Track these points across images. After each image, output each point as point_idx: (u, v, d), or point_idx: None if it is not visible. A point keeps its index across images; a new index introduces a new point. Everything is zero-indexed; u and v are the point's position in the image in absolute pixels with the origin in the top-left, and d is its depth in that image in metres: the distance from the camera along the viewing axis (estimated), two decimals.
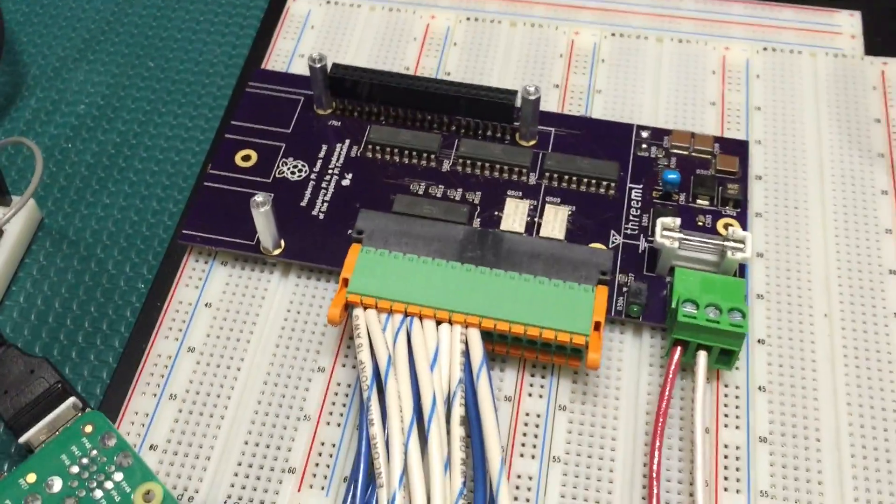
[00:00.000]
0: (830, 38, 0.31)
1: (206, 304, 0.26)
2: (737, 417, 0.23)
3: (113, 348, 0.27)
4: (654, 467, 0.22)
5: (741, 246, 0.24)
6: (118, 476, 0.21)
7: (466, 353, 0.23)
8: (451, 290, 0.24)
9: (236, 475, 0.23)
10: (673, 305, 0.23)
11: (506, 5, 0.33)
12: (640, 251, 0.26)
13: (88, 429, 0.21)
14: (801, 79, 0.30)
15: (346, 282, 0.24)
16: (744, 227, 0.26)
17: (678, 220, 0.25)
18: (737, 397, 0.24)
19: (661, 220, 0.25)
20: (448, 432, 0.22)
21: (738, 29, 0.32)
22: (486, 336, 0.24)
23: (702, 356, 0.23)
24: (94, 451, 0.21)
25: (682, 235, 0.25)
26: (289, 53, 0.32)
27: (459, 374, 0.23)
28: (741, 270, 0.25)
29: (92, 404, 0.25)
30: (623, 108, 0.30)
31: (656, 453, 0.22)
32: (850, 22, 0.32)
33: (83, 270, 0.28)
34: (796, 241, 0.27)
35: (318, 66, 0.28)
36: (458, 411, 0.22)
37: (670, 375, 0.23)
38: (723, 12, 0.32)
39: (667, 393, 0.23)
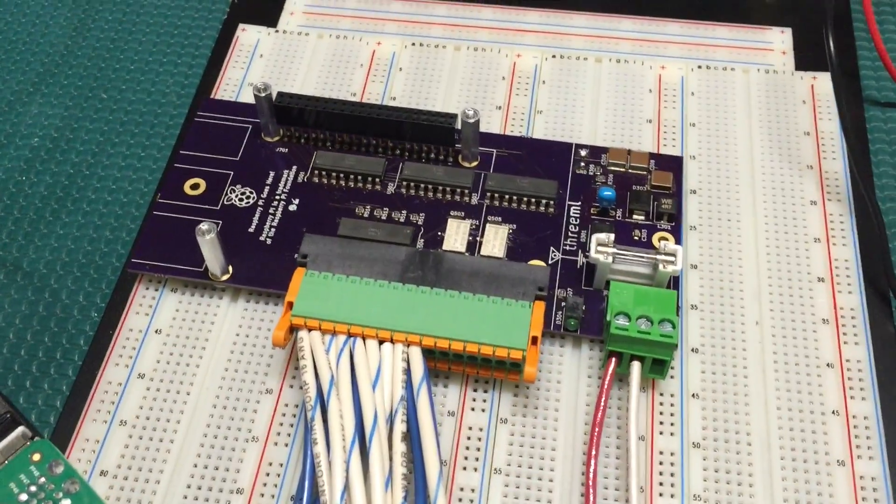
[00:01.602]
0: (762, 54, 0.33)
1: (156, 331, 0.26)
2: (671, 424, 0.24)
3: (66, 376, 0.27)
4: (591, 475, 0.23)
5: (672, 259, 0.25)
6: (66, 502, 0.21)
7: (408, 371, 0.24)
8: (392, 310, 0.24)
9: (185, 497, 0.23)
10: (607, 318, 0.24)
11: (450, 30, 0.34)
12: (578, 266, 0.27)
13: (36, 457, 0.22)
14: (734, 95, 0.31)
15: (290, 305, 0.25)
16: (678, 241, 0.27)
17: (612, 236, 0.26)
18: (671, 405, 0.25)
19: (595, 236, 0.26)
20: (390, 448, 0.22)
21: (674, 48, 0.33)
22: (429, 354, 0.24)
23: (635, 366, 0.24)
24: (42, 479, 0.22)
25: (615, 250, 0.25)
26: (238, 82, 0.33)
27: (401, 391, 0.23)
28: (675, 282, 0.26)
29: (46, 432, 0.25)
30: (563, 127, 0.31)
31: (592, 461, 0.23)
32: (780, 38, 0.33)
33: (37, 301, 0.29)
34: (729, 252, 0.27)
35: (263, 94, 0.29)
36: (399, 427, 0.23)
37: (605, 386, 0.24)
38: (659, 32, 0.33)
39: (602, 403, 0.24)
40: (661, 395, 0.25)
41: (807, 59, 0.32)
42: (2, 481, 0.22)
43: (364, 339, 0.24)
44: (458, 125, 0.28)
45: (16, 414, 0.23)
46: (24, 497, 0.21)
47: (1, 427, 0.23)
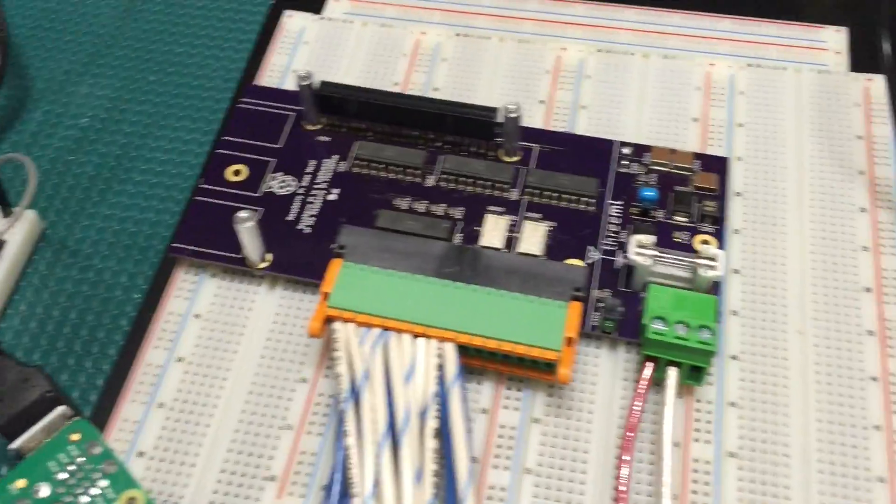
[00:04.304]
0: (816, 54, 0.32)
1: (195, 316, 0.27)
2: (707, 432, 0.24)
3: (108, 356, 0.28)
4: (624, 480, 0.23)
5: (713, 263, 0.25)
6: (103, 483, 0.22)
7: (442, 367, 0.24)
8: (427, 306, 0.24)
9: (219, 482, 0.24)
10: (644, 322, 0.24)
11: (495, 21, 0.34)
12: (616, 267, 0.26)
13: (75, 437, 0.22)
14: (784, 95, 0.31)
15: (326, 296, 0.25)
16: (721, 244, 0.27)
17: (653, 238, 0.25)
18: (708, 412, 0.24)
19: (634, 238, 0.25)
20: (422, 444, 0.23)
21: (724, 45, 0.32)
22: (463, 351, 0.24)
23: (672, 372, 0.24)
24: (81, 459, 0.22)
25: (655, 252, 0.25)
26: (283, 69, 0.33)
27: (434, 387, 0.23)
28: (716, 287, 0.26)
29: (87, 411, 0.26)
30: (607, 124, 0.30)
31: (625, 466, 0.23)
32: (835, 38, 0.32)
33: (82, 280, 0.29)
34: (773, 258, 0.27)
35: (306, 83, 0.29)
36: (431, 424, 0.23)
37: (640, 390, 0.24)
38: (709, 28, 0.33)
39: (637, 408, 0.23)
40: (699, 401, 0.24)
41: (863, 60, 0.31)
42: (42, 459, 0.22)
43: (399, 333, 0.24)
44: (500, 119, 0.28)
45: (58, 393, 0.24)
46: (62, 476, 0.22)
47: (43, 406, 0.23)
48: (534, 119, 0.31)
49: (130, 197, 0.31)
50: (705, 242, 0.27)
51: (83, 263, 0.30)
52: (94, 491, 0.22)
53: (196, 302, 0.27)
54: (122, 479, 0.22)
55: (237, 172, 0.29)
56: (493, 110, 0.28)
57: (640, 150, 0.29)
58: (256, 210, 0.28)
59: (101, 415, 0.25)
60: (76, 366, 0.27)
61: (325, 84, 0.29)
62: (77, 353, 0.28)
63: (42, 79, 0.35)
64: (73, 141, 0.33)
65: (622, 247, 0.27)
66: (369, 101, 0.29)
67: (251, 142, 0.30)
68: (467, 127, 0.29)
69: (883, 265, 0.26)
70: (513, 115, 0.28)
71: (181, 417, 0.25)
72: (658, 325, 0.23)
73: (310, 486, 0.24)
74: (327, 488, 0.22)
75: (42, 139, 0.33)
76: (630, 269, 0.26)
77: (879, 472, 0.23)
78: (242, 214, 0.26)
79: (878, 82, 0.31)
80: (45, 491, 0.21)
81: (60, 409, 0.23)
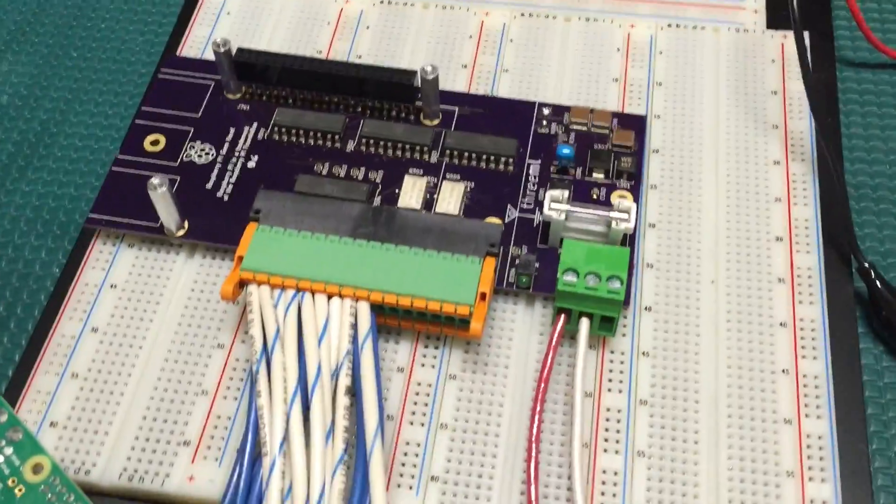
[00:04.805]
0: (734, 13, 0.32)
1: (111, 286, 0.26)
2: (620, 382, 0.24)
3: (26, 331, 0.27)
4: (534, 430, 0.23)
5: (626, 216, 0.25)
6: (8, 450, 0.21)
7: (356, 326, 0.24)
8: (342, 266, 0.24)
9: (133, 449, 0.24)
10: (558, 276, 0.24)
11: None
12: (535, 225, 0.26)
13: None
14: (703, 54, 0.31)
15: (240, 259, 0.25)
16: (636, 200, 0.27)
17: (566, 193, 0.25)
18: (622, 363, 0.24)
19: (549, 193, 0.25)
20: (334, 402, 0.23)
21: (645, 6, 0.32)
22: (378, 309, 0.24)
23: (583, 323, 0.24)
24: None
25: (569, 208, 0.25)
26: (204, 39, 0.32)
27: (348, 345, 0.23)
28: (631, 240, 0.26)
29: (3, 385, 0.26)
30: (528, 87, 0.30)
31: (536, 417, 0.23)
32: None
33: (1, 256, 0.29)
34: (689, 212, 0.27)
35: (223, 50, 0.28)
36: (343, 381, 0.23)
37: (552, 343, 0.24)
38: None
39: (548, 360, 0.24)
40: (612, 352, 0.25)
41: (780, 18, 0.32)
42: None
43: (313, 293, 0.24)
44: (418, 82, 0.28)
45: None
46: None
47: None
48: (456, 83, 0.31)
49: (51, 172, 0.31)
50: (622, 197, 0.27)
51: (2, 240, 0.29)
52: None
53: (113, 272, 0.27)
54: (28, 446, 0.21)
55: (155, 142, 0.29)
56: (411, 73, 0.28)
57: (559, 110, 0.29)
58: (174, 178, 0.28)
59: (15, 388, 0.25)
60: None
61: (241, 51, 0.29)
62: None
63: None
64: None
65: (540, 205, 0.27)
66: (287, 66, 0.28)
67: (171, 112, 0.30)
68: (387, 91, 0.28)
69: (794, 215, 0.27)
70: (430, 77, 0.28)
71: (94, 387, 0.25)
72: (569, 277, 0.24)
73: (224, 449, 0.23)
74: (239, 451, 0.22)
75: None
76: (546, 225, 0.26)
77: (787, 414, 0.23)
78: (155, 181, 0.25)
79: (793, 39, 0.31)
80: None
81: None
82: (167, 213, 0.26)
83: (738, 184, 0.28)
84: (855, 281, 0.26)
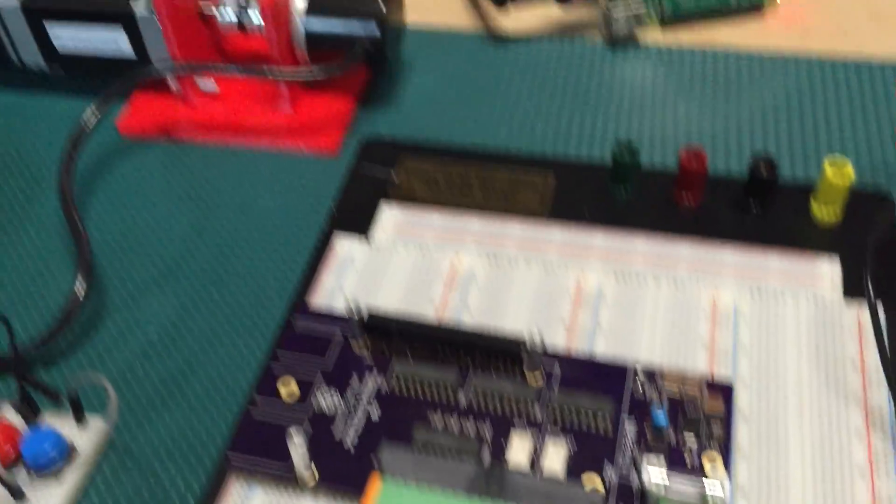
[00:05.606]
0: (811, 281, 0.35)
1: None
2: None
3: None
4: None
5: (718, 486, 0.27)
6: None
7: None
8: None
9: None
10: None
11: (523, 244, 0.38)
12: (632, 489, 0.29)
13: None
14: (784, 322, 0.34)
15: None
16: (726, 465, 0.29)
17: (662, 460, 0.28)
18: None
19: (648, 468, 0.28)
20: None
21: (728, 270, 0.36)
22: None
23: None
24: None
25: (667, 482, 0.27)
26: (332, 289, 0.37)
27: None
28: None
29: None
30: (623, 346, 0.34)
31: None
32: (829, 266, 0.35)
33: (141, 486, 0.32)
34: (776, 478, 0.29)
35: (357, 317, 0.33)
36: None
37: None
38: (714, 259, 0.36)
39: None
40: None
41: (858, 286, 0.34)
42: None
43: None
44: (525, 347, 0.32)
45: None
46: None
47: None
48: (556, 338, 0.34)
49: (190, 406, 0.35)
50: (712, 463, 0.29)
51: (143, 468, 0.33)
52: None
53: None
54: None
55: (287, 385, 0.33)
56: (518, 341, 0.32)
57: (652, 374, 0.32)
58: (304, 426, 0.31)
59: None
60: None
61: (372, 317, 0.33)
62: None
63: (118, 293, 0.39)
64: (141, 351, 0.37)
65: (636, 466, 0.29)
66: (412, 331, 0.32)
67: (301, 356, 0.33)
68: (495, 352, 0.32)
69: (877, 486, 0.28)
70: (535, 342, 0.31)
71: None
72: None
73: None
74: None
75: (114, 350, 0.37)
76: (645, 492, 0.28)
77: None
78: (294, 435, 0.29)
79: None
80: None
81: None
82: (301, 462, 0.29)
83: (822, 455, 0.30)
84: None
